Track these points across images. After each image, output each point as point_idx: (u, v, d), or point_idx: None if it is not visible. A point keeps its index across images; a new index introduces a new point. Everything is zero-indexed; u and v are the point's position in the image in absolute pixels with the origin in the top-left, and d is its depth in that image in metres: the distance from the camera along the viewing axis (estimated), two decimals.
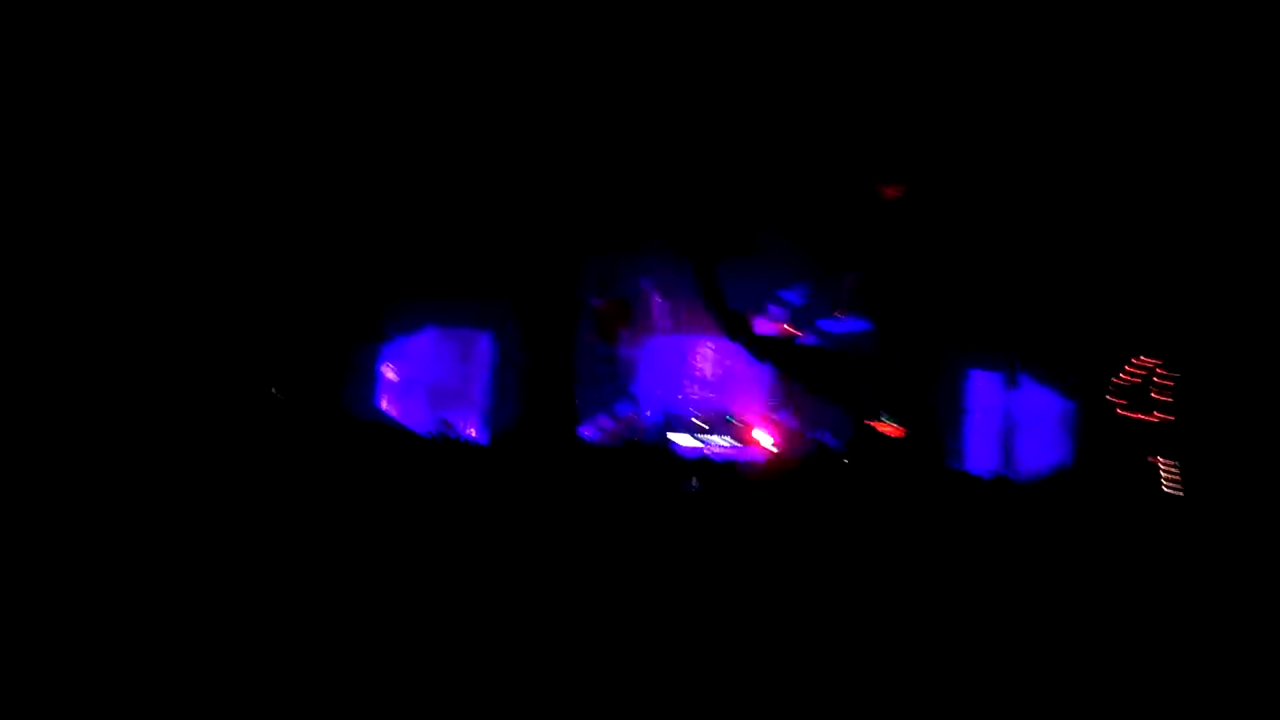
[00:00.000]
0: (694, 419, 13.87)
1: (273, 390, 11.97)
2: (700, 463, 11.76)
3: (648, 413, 14.38)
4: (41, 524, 3.81)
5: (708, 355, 15.01)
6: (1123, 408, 12.29)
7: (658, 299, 14.68)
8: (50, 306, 9.96)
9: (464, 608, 3.69)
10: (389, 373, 14.30)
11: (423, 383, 14.51)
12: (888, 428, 11.71)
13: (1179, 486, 10.57)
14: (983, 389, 13.95)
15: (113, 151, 10.27)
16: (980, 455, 13.78)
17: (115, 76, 9.89)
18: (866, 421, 12.24)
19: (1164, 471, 10.95)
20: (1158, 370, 11.97)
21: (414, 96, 11.53)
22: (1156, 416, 12.04)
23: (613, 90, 11.63)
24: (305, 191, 11.91)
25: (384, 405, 14.10)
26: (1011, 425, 13.51)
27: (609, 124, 12.06)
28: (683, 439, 13.14)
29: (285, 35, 10.60)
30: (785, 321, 14.67)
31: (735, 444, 13.23)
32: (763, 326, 14.82)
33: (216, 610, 3.47)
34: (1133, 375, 12.19)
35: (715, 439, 13.36)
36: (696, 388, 14.92)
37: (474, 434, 13.97)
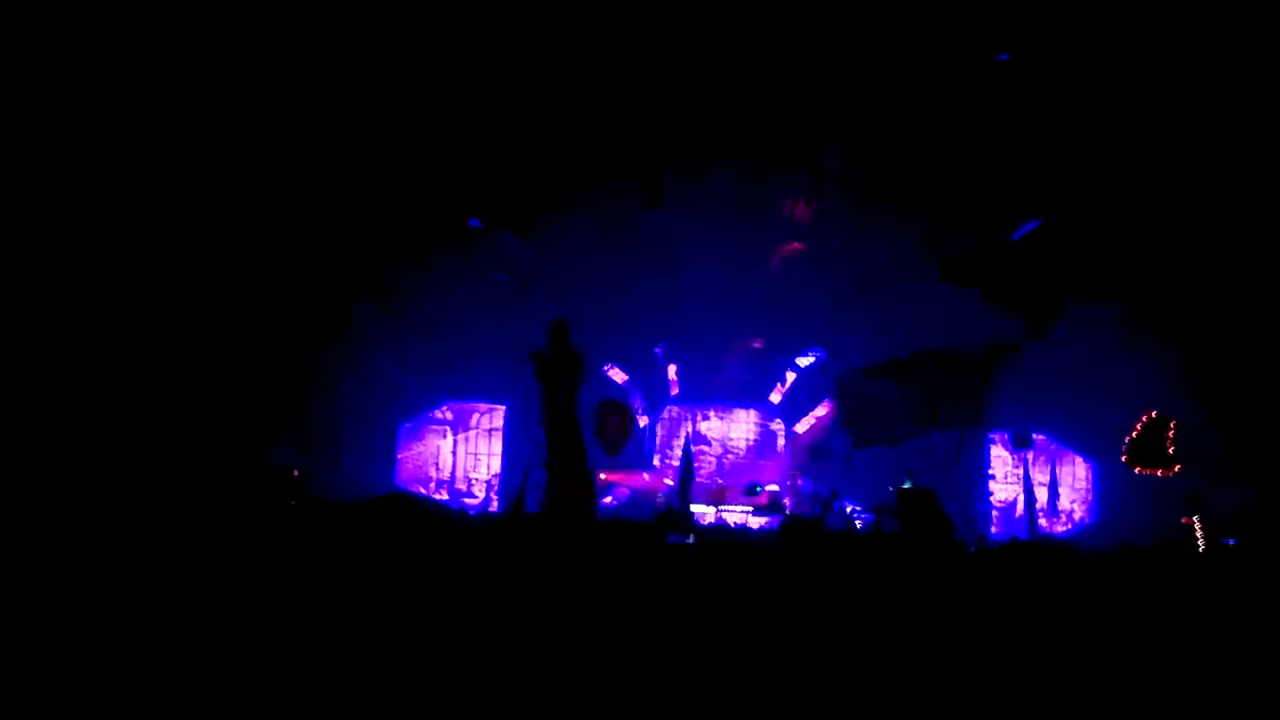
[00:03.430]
0: (714, 489, 13.75)
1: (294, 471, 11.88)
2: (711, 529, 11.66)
3: (666, 481, 14.31)
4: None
5: (722, 424, 15.04)
6: (1137, 464, 12.14)
7: (673, 367, 14.75)
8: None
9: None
10: (408, 454, 14.42)
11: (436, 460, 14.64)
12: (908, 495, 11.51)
13: (1204, 542, 10.30)
14: (997, 454, 13.96)
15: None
16: (1001, 521, 13.66)
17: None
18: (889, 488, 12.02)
19: (1195, 529, 10.70)
20: (1166, 423, 11.83)
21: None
22: (1170, 470, 11.87)
23: None
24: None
25: (404, 483, 14.15)
26: (1030, 489, 13.39)
27: None
28: (701, 509, 13.00)
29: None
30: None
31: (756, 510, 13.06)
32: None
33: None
34: (1143, 430, 12.06)
35: (730, 509, 13.21)
36: (713, 458, 14.89)
37: (494, 507, 13.97)
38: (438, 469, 14.59)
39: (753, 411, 15.11)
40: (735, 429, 15.14)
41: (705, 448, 14.94)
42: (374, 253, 12.27)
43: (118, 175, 10.01)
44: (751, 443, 15.04)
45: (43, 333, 9.53)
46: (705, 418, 15.10)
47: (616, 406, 14.42)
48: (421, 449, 14.57)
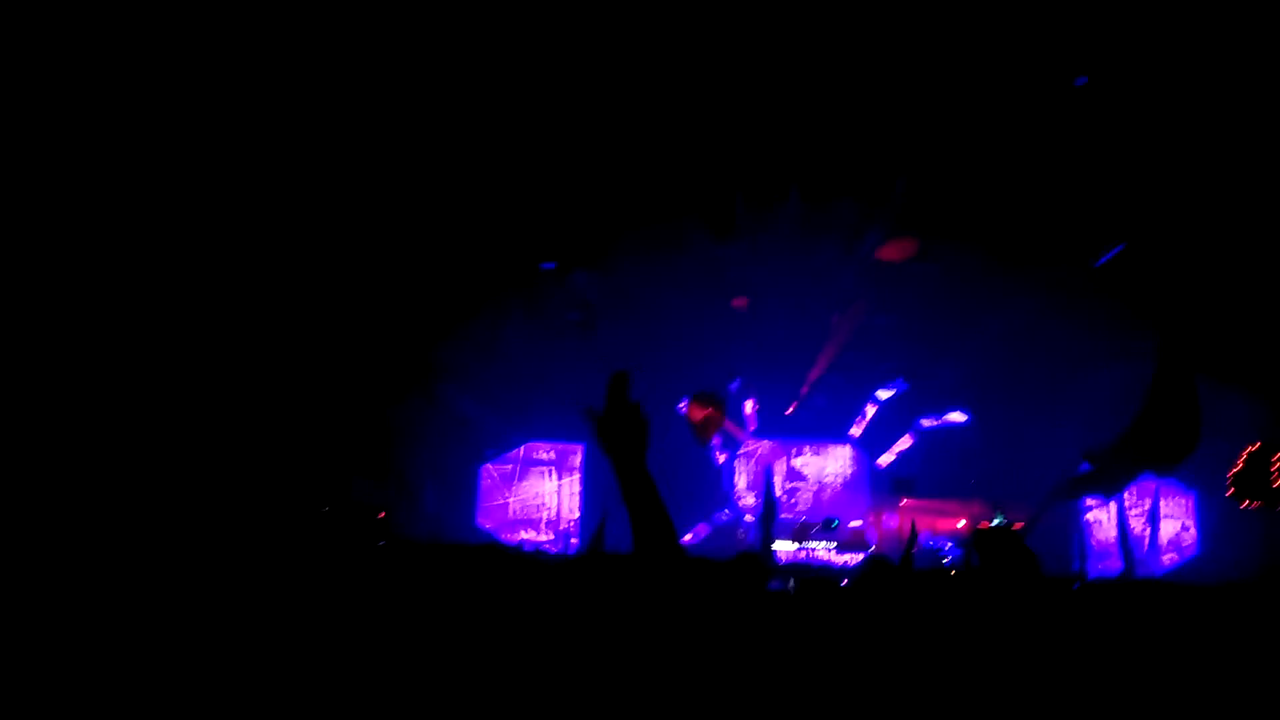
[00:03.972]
0: (797, 525, 13.53)
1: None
2: (799, 568, 11.43)
3: (747, 517, 14.15)
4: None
5: (817, 459, 14.82)
6: (1242, 497, 11.49)
7: (750, 401, 14.61)
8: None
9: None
10: (510, 495, 14.49)
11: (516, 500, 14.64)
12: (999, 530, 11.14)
13: None
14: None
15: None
16: (1101, 557, 13.13)
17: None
18: (981, 524, 11.69)
19: None
20: (1271, 453, 11.17)
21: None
22: (1277, 503, 11.21)
23: None
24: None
25: (496, 526, 14.24)
26: (1126, 522, 12.85)
27: None
28: (784, 545, 12.79)
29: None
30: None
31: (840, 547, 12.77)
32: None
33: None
34: (1246, 461, 11.41)
35: (817, 545, 12.95)
36: (797, 492, 14.68)
37: (574, 545, 13.96)
38: (540, 510, 14.62)
39: (847, 446, 14.93)
40: (830, 464, 14.96)
41: (800, 484, 14.78)
42: (454, 295, 12.45)
43: (209, 225, 10.34)
44: (846, 478, 14.85)
45: (126, 373, 9.84)
46: (799, 453, 14.94)
47: (709, 397, 14.15)
48: (523, 489, 14.63)
